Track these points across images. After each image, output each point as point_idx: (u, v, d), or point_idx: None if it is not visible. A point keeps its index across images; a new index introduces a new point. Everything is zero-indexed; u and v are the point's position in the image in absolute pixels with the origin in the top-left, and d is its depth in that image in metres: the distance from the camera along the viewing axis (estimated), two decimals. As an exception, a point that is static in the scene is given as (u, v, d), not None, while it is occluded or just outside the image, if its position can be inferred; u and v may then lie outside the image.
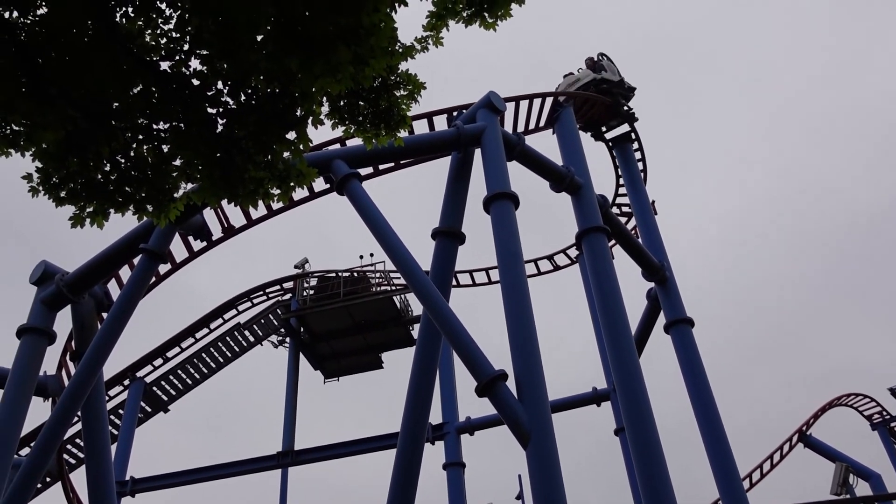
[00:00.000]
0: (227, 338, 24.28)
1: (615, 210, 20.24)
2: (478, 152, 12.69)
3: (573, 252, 23.72)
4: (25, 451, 16.83)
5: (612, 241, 15.31)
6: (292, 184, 4.61)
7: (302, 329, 24.26)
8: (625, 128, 19.07)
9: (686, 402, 14.36)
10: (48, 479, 20.73)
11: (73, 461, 21.49)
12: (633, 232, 17.57)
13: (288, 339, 24.57)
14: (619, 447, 18.68)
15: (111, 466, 13.79)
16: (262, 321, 24.69)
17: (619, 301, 11.96)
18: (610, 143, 19.47)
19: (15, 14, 4.47)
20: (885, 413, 28.39)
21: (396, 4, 4.34)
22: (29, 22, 4.48)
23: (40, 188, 4.95)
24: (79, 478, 17.97)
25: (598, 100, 17.97)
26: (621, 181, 20.17)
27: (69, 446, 21.43)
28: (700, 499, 27.16)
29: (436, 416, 20.27)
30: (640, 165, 19.41)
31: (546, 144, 16.29)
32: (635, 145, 19.38)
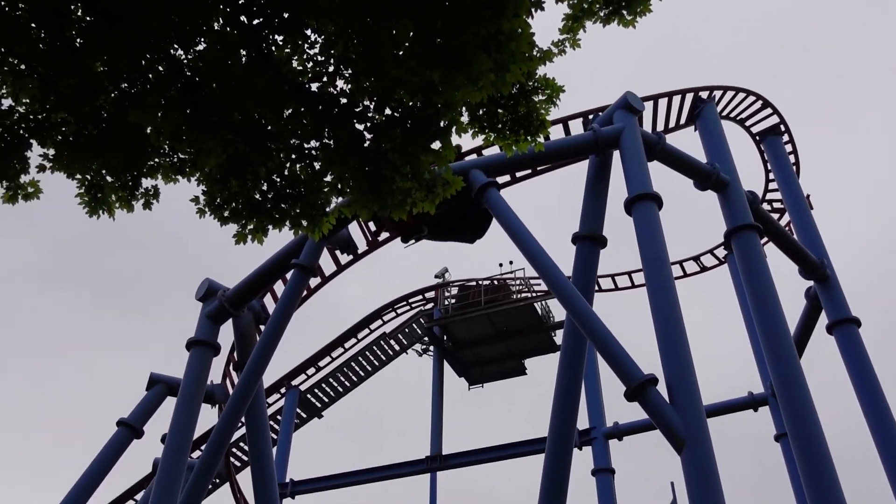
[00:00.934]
0: (374, 347, 25.09)
1: (766, 206, 19.21)
2: (616, 154, 12.45)
3: (721, 252, 22.71)
4: (197, 454, 18.10)
5: (764, 239, 14.53)
6: (438, 192, 4.73)
7: (445, 337, 24.67)
8: (773, 120, 18.09)
9: (850, 410, 13.38)
10: (217, 481, 22.19)
11: (238, 464, 22.89)
12: (786, 228, 16.60)
13: (432, 348, 25.08)
14: (779, 454, 17.69)
15: (273, 469, 14.59)
16: (406, 330, 25.32)
17: (775, 301, 11.33)
18: (757, 137, 18.53)
19: (180, 52, 4.87)
20: None
21: (533, 9, 4.35)
22: (191, 57, 4.86)
23: (206, 209, 5.35)
24: (244, 479, 19.17)
25: (744, 92, 17.17)
26: (771, 176, 19.13)
27: (235, 450, 22.84)
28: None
29: (582, 422, 19.99)
30: (791, 158, 18.34)
31: (686, 142, 15.76)
32: (785, 137, 18.34)
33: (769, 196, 19.94)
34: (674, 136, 16.17)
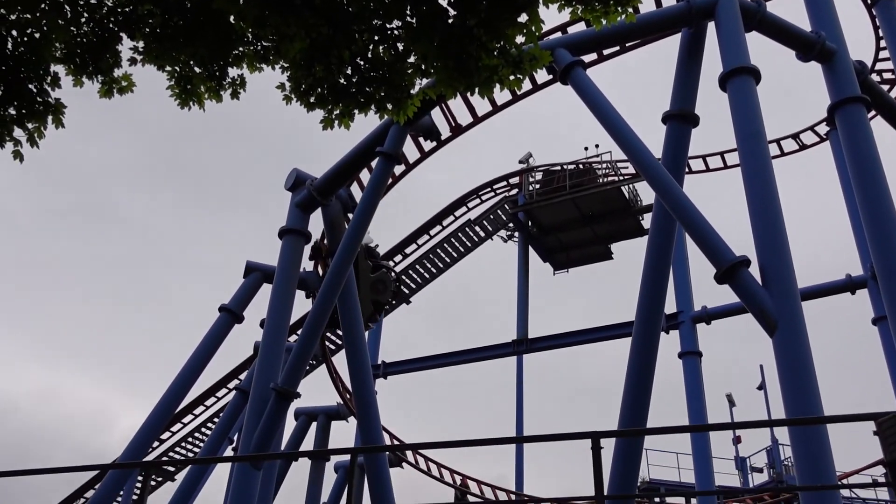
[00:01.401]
0: (459, 234, 25.34)
1: (875, 78, 17.88)
2: (711, 26, 11.71)
3: (823, 129, 21.47)
4: (294, 338, 19.06)
5: (872, 113, 13.58)
6: (526, 68, 4.58)
7: (530, 223, 24.65)
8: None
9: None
10: (314, 362, 23.43)
11: (333, 347, 24.00)
12: (897, 100, 15.44)
13: (517, 234, 25.15)
14: (876, 338, 17.22)
15: (366, 351, 15.26)
16: (491, 217, 25.38)
17: (881, 179, 10.69)
18: (869, 2, 17.03)
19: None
20: None
21: None
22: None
23: (292, 96, 5.37)
24: (339, 361, 20.17)
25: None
26: (882, 44, 17.69)
27: (329, 334, 23.92)
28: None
29: (670, 306, 19.90)
30: (906, 23, 16.84)
31: (790, 8, 14.65)
32: (901, 0, 16.79)
33: (879, 66, 18.53)
34: (774, 3, 15.03)
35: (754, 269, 9.24)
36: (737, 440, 28.76)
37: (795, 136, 22.75)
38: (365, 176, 16.03)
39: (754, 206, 9.52)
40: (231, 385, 23.03)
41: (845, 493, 22.74)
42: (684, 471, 24.20)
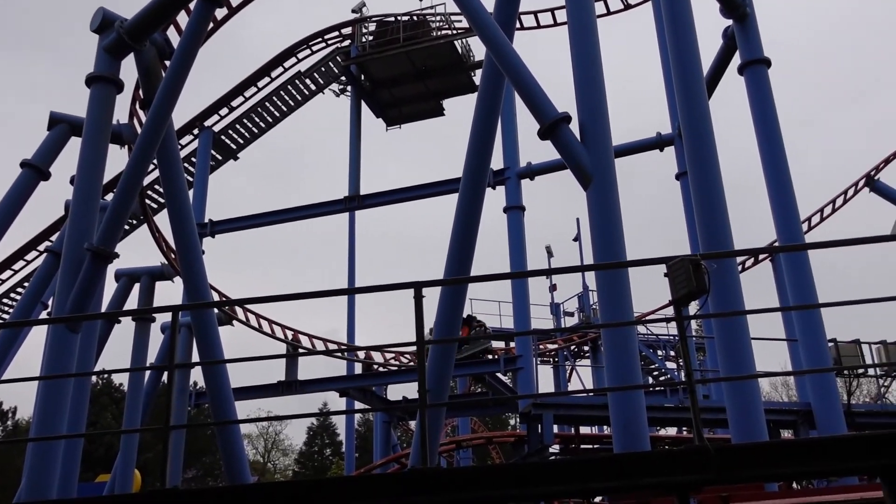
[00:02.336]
0: (289, 86, 24.31)
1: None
2: None
3: (646, -10, 22.13)
4: (110, 196, 17.87)
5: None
6: None
7: (362, 76, 24.05)
8: None
9: (755, 150, 14.06)
10: (134, 222, 22.28)
11: (154, 206, 22.85)
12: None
13: (349, 88, 24.51)
14: (678, 193, 18.81)
15: (190, 209, 14.64)
16: (323, 69, 24.47)
17: (691, 39, 11.26)
18: None
19: None
20: (961, 159, 27.44)
21: None
22: None
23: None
24: (162, 221, 19.28)
25: None
26: None
27: (150, 192, 22.67)
28: (759, 241, 27.61)
29: (497, 162, 20.52)
30: None
31: None
32: None
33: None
34: None
35: (575, 126, 9.65)
36: (552, 288, 31.07)
37: (621, -5, 23.33)
38: (183, 19, 14.77)
39: (577, 63, 9.80)
40: (42, 248, 21.52)
41: (642, 329, 25.47)
42: (505, 317, 25.98)
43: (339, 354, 21.65)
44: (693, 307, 7.83)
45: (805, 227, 24.24)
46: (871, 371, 20.25)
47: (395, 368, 21.47)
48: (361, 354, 21.19)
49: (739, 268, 23.79)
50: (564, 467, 5.40)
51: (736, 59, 14.46)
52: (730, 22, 14.45)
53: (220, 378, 14.36)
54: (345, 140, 23.39)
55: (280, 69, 24.18)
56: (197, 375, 28.50)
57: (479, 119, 11.47)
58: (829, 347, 13.85)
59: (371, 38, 23.83)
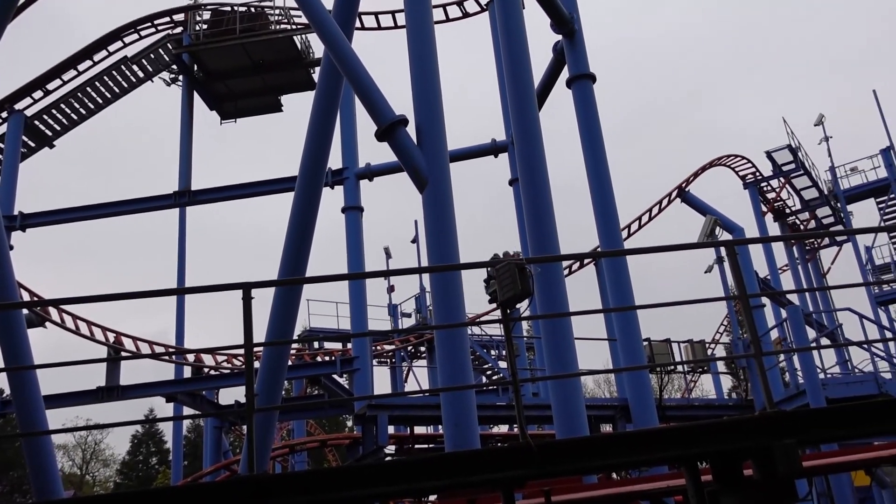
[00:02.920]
0: (114, 72, 22.77)
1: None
2: None
3: (485, -1, 22.79)
4: None
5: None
6: None
7: (195, 66, 23.01)
8: None
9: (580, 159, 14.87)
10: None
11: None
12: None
13: (181, 77, 23.34)
14: (512, 198, 19.54)
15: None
16: (152, 56, 23.13)
17: (524, 51, 11.74)
18: None
19: None
20: (757, 174, 30.45)
21: None
22: None
23: None
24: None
25: None
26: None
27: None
28: (585, 246, 29.25)
29: (336, 161, 20.35)
30: None
31: None
32: None
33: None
34: None
35: (412, 129, 9.74)
36: (390, 289, 31.26)
37: (460, 3, 23.85)
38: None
39: (414, 66, 9.91)
40: None
41: (477, 330, 26.21)
42: (343, 318, 25.83)
43: (167, 358, 20.56)
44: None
45: (625, 234, 25.99)
46: (679, 368, 21.97)
47: (228, 372, 20.69)
48: (191, 357, 20.24)
49: (566, 272, 25.12)
50: (394, 468, 5.42)
51: (565, 73, 15.22)
52: (560, 37, 15.19)
53: (27, 384, 13.13)
54: (176, 132, 22.27)
55: (104, 52, 22.63)
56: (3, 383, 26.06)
57: (316, 117, 11.30)
58: (644, 346, 14.87)
59: (205, 26, 22.84)
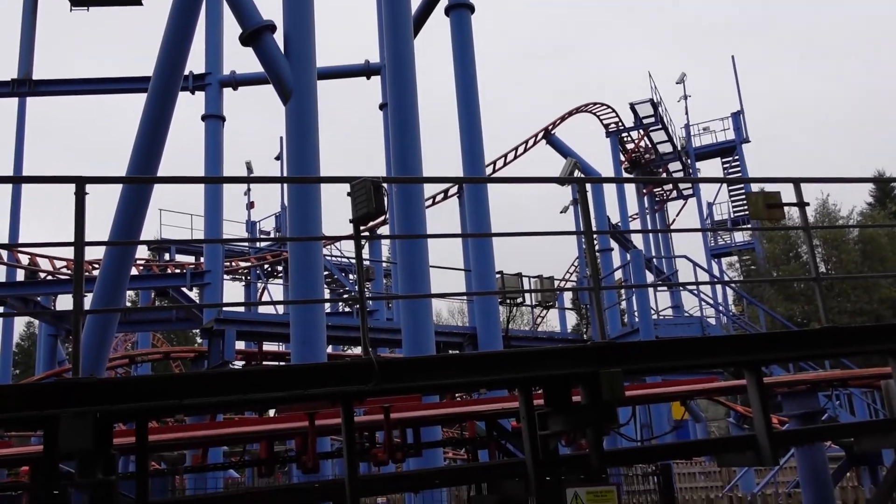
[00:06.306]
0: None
1: None
2: None
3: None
4: None
5: None
6: None
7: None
8: None
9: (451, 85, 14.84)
10: None
11: None
12: None
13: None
14: (381, 122, 19.28)
15: None
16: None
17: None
18: None
19: None
20: (620, 124, 31.72)
21: None
22: None
23: None
24: None
25: None
26: None
27: None
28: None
29: (198, 65, 19.29)
30: None
31: None
32: None
33: None
34: None
35: (280, 38, 9.34)
36: (250, 205, 30.38)
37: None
38: None
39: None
40: None
41: (336, 253, 26.05)
42: (197, 231, 24.88)
43: (-5, 257, 19.09)
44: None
45: (490, 170, 26.45)
46: (527, 301, 22.90)
47: (67, 278, 19.51)
48: (25, 260, 18.92)
49: (430, 202, 25.33)
50: (232, 377, 5.33)
51: (445, 1, 15.01)
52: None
53: None
54: (17, 13, 20.17)
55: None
56: None
57: (176, 14, 10.56)
58: (497, 278, 15.34)
59: None
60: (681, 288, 19.16)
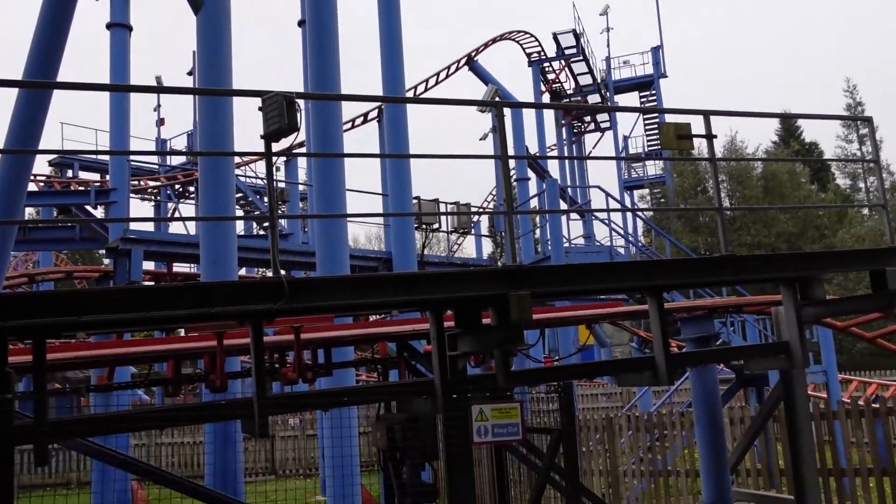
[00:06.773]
0: None
1: None
2: None
3: None
4: None
5: None
6: None
7: None
8: None
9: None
10: None
11: None
12: None
13: None
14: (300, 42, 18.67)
15: None
16: None
17: None
18: None
19: None
20: (543, 53, 31.65)
21: None
22: None
23: None
24: None
25: None
26: None
27: None
28: (369, 106, 28.87)
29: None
30: None
31: None
32: None
33: None
34: None
35: (189, -60, 8.79)
36: (160, 122, 29.09)
37: None
38: None
39: None
40: None
41: (251, 174, 25.46)
42: (103, 147, 23.74)
43: None
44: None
45: (410, 94, 26.05)
46: (443, 226, 23.04)
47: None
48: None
49: (349, 125, 24.85)
50: (135, 294, 5.15)
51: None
52: None
53: None
54: None
55: None
56: None
57: None
58: (413, 203, 15.34)
59: None
60: (593, 217, 19.64)
